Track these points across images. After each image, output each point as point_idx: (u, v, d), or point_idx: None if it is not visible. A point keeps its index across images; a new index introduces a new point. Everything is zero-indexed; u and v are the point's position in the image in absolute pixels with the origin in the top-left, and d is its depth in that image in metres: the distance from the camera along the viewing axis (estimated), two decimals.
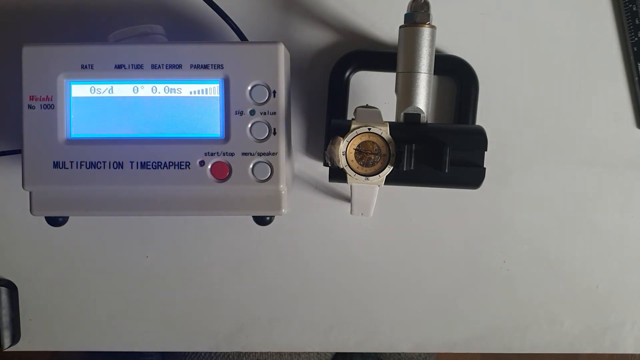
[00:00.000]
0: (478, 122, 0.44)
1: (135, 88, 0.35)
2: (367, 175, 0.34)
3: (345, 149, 0.34)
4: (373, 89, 0.44)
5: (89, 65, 0.35)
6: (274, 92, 0.35)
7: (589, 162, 0.45)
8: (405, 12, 0.37)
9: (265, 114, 0.35)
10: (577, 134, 0.45)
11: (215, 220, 0.45)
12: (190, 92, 0.35)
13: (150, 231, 0.45)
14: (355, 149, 0.34)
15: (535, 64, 0.44)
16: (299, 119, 0.44)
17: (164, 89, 0.35)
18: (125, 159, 0.35)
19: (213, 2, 0.39)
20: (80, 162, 0.35)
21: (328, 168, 0.35)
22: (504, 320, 0.46)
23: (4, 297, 0.44)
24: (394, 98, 0.37)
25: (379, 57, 0.43)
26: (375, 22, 0.44)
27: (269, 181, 0.35)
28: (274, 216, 0.37)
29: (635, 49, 0.43)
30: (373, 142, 0.34)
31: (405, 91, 0.36)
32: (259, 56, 0.35)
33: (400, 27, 0.37)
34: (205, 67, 0.35)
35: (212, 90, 0.35)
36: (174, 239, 0.45)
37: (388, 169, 0.34)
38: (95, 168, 0.35)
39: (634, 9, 0.43)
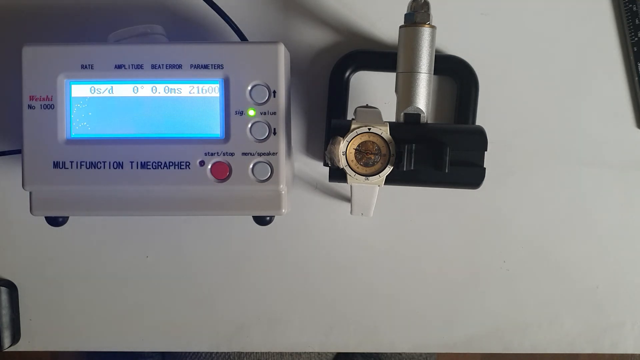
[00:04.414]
0: (478, 122, 0.44)
1: (135, 88, 0.35)
2: (367, 175, 0.34)
3: (345, 149, 0.34)
4: (373, 89, 0.44)
5: (89, 65, 0.35)
6: (274, 92, 0.35)
7: (589, 162, 0.45)
8: (405, 12, 0.37)
9: (265, 114, 0.35)
10: (577, 134, 0.45)
11: (215, 220, 0.45)
12: (190, 92, 0.35)
13: (150, 231, 0.45)
14: (355, 149, 0.34)
15: (535, 64, 0.44)
16: (299, 119, 0.44)
17: (164, 89, 0.35)
18: (125, 159, 0.35)
19: (213, 2, 0.39)
20: (80, 162, 0.35)
21: (328, 168, 0.35)
22: (504, 320, 0.46)
23: (4, 297, 0.44)
24: (394, 98, 0.37)
25: (379, 57, 0.43)
26: (375, 22, 0.44)
27: (269, 181, 0.35)
28: (274, 216, 0.37)
29: (635, 49, 0.43)
30: (373, 142, 0.34)
31: (405, 91, 0.36)
32: (259, 56, 0.35)
33: (400, 27, 0.37)
34: (205, 67, 0.35)
35: (212, 90, 0.35)
36: (174, 239, 0.45)
37: (388, 169, 0.34)
38: (95, 168, 0.35)
39: (634, 9, 0.43)
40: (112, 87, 0.35)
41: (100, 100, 0.35)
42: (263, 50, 0.35)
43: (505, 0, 0.44)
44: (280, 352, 0.63)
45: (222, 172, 0.35)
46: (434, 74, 0.37)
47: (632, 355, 0.48)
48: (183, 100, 0.35)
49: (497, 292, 0.46)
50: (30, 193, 0.36)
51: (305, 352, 0.64)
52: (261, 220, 0.37)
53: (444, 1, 0.43)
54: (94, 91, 0.35)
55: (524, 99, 0.44)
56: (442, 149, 0.34)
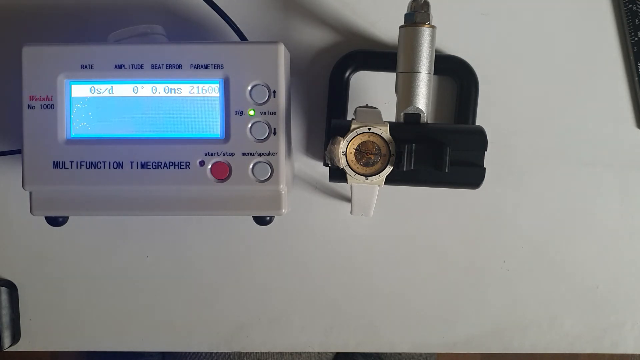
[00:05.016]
0: (478, 122, 0.44)
1: (135, 88, 0.35)
2: (367, 175, 0.34)
3: (345, 149, 0.34)
4: (373, 89, 0.44)
5: (89, 65, 0.35)
6: (274, 92, 0.35)
7: (589, 162, 0.45)
8: (405, 12, 0.37)
9: (265, 114, 0.35)
10: (577, 134, 0.45)
11: (215, 220, 0.45)
12: (190, 92, 0.35)
13: (150, 231, 0.45)
14: (355, 149, 0.34)
15: (535, 64, 0.44)
16: (299, 119, 0.44)
17: (164, 89, 0.35)
18: (125, 159, 0.35)
19: (213, 2, 0.39)
20: (80, 162, 0.35)
21: (328, 168, 0.35)
22: (504, 320, 0.46)
23: (4, 297, 0.44)
24: (394, 98, 0.37)
25: (379, 57, 0.43)
26: (375, 22, 0.44)
27: (269, 181, 0.35)
28: (274, 216, 0.37)
29: (635, 49, 0.43)
30: (373, 142, 0.34)
31: (405, 91, 0.36)
32: (259, 56, 0.35)
33: (400, 27, 0.37)
34: (205, 67, 0.35)
35: (212, 90, 0.35)
36: (174, 239, 0.45)
37: (388, 169, 0.34)
38: (95, 168, 0.35)
39: (634, 9, 0.43)
40: (112, 87, 0.35)
41: (100, 100, 0.35)
42: (263, 50, 0.35)
43: (505, 0, 0.44)
44: (280, 352, 0.63)
45: (222, 172, 0.35)
46: (434, 74, 0.37)
47: (632, 355, 0.48)
48: (183, 100, 0.35)
49: (497, 292, 0.46)
50: (30, 193, 0.36)
51: (305, 352, 0.64)
52: (261, 220, 0.37)
53: (444, 1, 0.43)
54: (94, 91, 0.35)
55: (524, 99, 0.44)
56: (442, 149, 0.34)
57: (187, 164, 0.35)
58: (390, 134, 0.34)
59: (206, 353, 0.64)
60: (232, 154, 0.35)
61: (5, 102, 0.44)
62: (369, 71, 0.44)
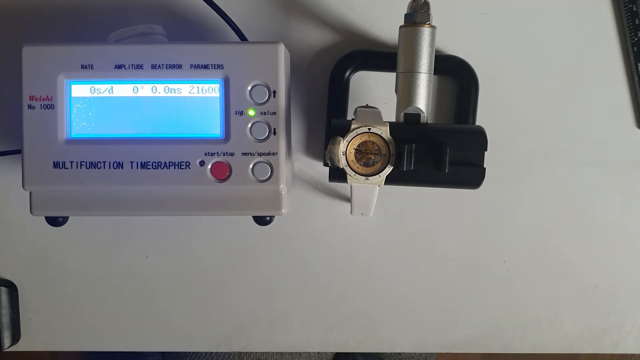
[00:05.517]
0: (478, 122, 0.44)
1: (135, 88, 0.35)
2: (367, 175, 0.34)
3: (345, 149, 0.34)
4: (373, 89, 0.44)
5: (89, 65, 0.35)
6: (274, 92, 0.35)
7: (589, 162, 0.45)
8: (405, 12, 0.37)
9: (265, 114, 0.35)
10: (577, 134, 0.45)
11: (215, 220, 0.45)
12: (190, 92, 0.35)
13: (150, 231, 0.45)
14: (356, 149, 0.34)
15: (535, 64, 0.44)
16: (299, 119, 0.44)
17: (164, 89, 0.35)
18: (125, 159, 0.35)
19: (213, 2, 0.39)
20: (80, 162, 0.35)
21: (328, 168, 0.35)
22: (504, 320, 0.46)
23: (4, 297, 0.44)
24: (394, 98, 0.37)
25: (379, 57, 0.43)
26: (375, 22, 0.44)
27: (269, 181, 0.35)
28: (274, 216, 0.37)
29: (635, 49, 0.43)
30: (373, 142, 0.34)
31: (405, 91, 0.36)
32: (259, 56, 0.35)
33: (400, 27, 0.37)
34: (205, 67, 0.35)
35: (212, 90, 0.35)
36: (174, 239, 0.45)
37: (388, 169, 0.34)
38: (95, 168, 0.35)
39: (634, 9, 0.43)
40: (112, 87, 0.35)
41: (100, 100, 0.35)
42: (263, 50, 0.35)
43: (505, 0, 0.44)
44: (280, 352, 0.63)
45: (222, 172, 0.35)
46: (434, 74, 0.37)
47: (632, 355, 0.48)
48: (183, 100, 0.35)
49: (497, 292, 0.46)
50: (30, 193, 0.36)
51: (305, 352, 0.64)
52: (261, 220, 0.37)
53: (444, 1, 0.43)
54: (94, 91, 0.35)
55: (524, 99, 0.44)
56: (442, 149, 0.34)
57: (187, 164, 0.35)
58: (390, 134, 0.34)
59: (206, 353, 0.64)
60: (232, 154, 0.35)
61: (5, 102, 0.44)
62: (369, 71, 0.44)
